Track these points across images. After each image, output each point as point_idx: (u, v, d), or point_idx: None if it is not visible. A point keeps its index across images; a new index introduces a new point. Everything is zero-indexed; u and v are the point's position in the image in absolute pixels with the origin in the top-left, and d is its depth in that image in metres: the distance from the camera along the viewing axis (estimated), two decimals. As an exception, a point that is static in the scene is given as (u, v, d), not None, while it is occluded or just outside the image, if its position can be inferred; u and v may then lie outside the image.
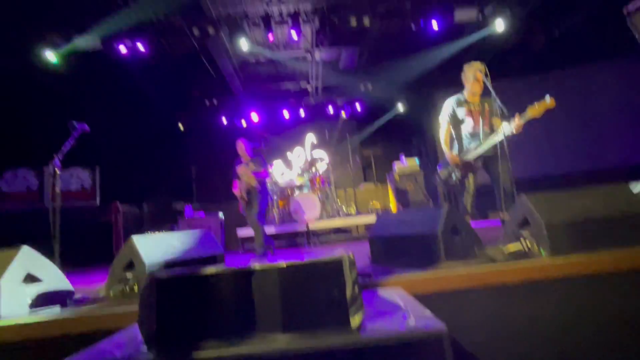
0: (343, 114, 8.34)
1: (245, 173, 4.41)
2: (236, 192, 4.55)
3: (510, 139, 3.29)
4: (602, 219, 1.92)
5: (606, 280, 1.74)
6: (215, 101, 8.57)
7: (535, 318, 1.70)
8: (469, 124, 3.58)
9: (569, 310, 1.71)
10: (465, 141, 3.62)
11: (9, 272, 1.84)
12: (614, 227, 1.90)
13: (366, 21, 5.49)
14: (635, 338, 1.68)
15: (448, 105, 3.68)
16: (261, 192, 4.49)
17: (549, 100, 3.10)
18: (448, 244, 2.07)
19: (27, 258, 1.98)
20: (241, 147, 4.59)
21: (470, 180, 3.58)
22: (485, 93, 3.55)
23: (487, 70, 3.25)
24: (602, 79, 7.31)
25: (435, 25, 5.49)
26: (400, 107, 9.02)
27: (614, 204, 1.99)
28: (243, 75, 7.86)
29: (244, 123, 8.87)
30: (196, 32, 5.36)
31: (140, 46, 5.35)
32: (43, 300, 1.95)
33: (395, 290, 1.60)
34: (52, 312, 1.87)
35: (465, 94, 3.64)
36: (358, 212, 6.59)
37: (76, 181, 7.10)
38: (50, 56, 5.33)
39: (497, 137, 3.33)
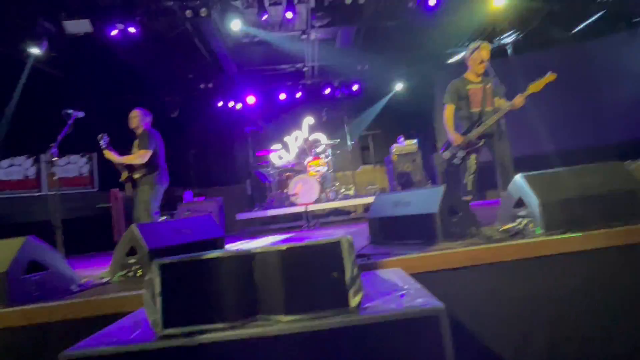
0: (324, 114, 8.23)
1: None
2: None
3: (508, 118, 3.32)
4: (596, 196, 1.95)
5: (600, 256, 1.78)
6: (210, 84, 8.45)
7: (530, 295, 1.75)
8: (472, 104, 3.60)
9: (563, 287, 1.76)
10: (468, 121, 3.64)
11: (15, 260, 1.87)
12: (608, 205, 1.93)
13: (362, -1, 5.37)
14: (629, 313, 1.74)
15: (452, 86, 3.70)
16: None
17: (549, 75, 3.16)
18: (445, 224, 2.11)
19: (32, 247, 2.00)
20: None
21: (472, 160, 3.62)
22: (485, 72, 3.56)
23: (489, 50, 3.23)
24: (600, 54, 7.22)
25: (432, 0, 5.38)
26: (399, 87, 8.93)
27: (609, 181, 2.01)
28: (237, 57, 7.72)
29: (239, 106, 8.78)
30: (189, 13, 5.23)
31: (131, 29, 5.23)
32: (49, 287, 1.99)
33: (393, 271, 1.64)
34: (57, 299, 1.90)
35: (469, 74, 3.65)
36: (357, 194, 6.62)
37: (73, 168, 7.09)
38: (35, 50, 5.20)
39: (498, 115, 3.35)
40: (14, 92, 6.09)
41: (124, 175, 3.86)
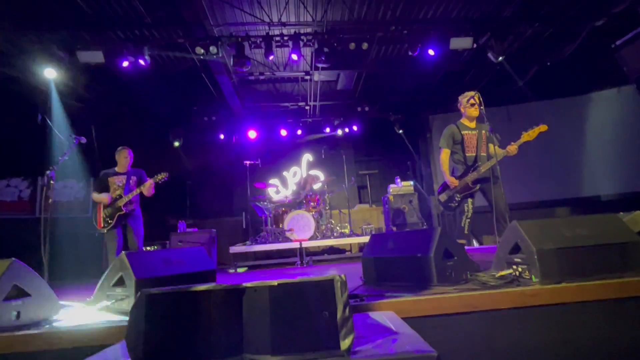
0: (323, 152, 8.42)
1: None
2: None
3: (502, 165, 3.40)
4: (592, 247, 1.95)
5: (594, 309, 1.75)
6: (213, 117, 8.64)
7: (525, 344, 1.70)
8: (467, 149, 3.72)
9: (558, 337, 1.71)
10: (463, 165, 3.74)
11: (-4, 284, 1.81)
12: (603, 256, 1.93)
13: (364, 46, 5.65)
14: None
15: (448, 131, 3.86)
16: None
17: (542, 125, 3.34)
18: (440, 268, 2.08)
19: (16, 271, 1.95)
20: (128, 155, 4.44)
21: (469, 204, 3.67)
22: (480, 120, 3.71)
23: (480, 98, 3.39)
24: (591, 109, 7.50)
25: (431, 51, 5.65)
26: (397, 129, 9.15)
27: (604, 233, 2.02)
28: (242, 93, 7.97)
29: (240, 140, 8.92)
30: (198, 50, 5.46)
31: (142, 61, 5.44)
32: (30, 313, 1.91)
33: (386, 314, 1.60)
34: (38, 326, 1.83)
35: (464, 120, 3.82)
36: (352, 233, 6.57)
37: (69, 192, 7.06)
38: (50, 73, 5.38)
39: (492, 161, 3.44)
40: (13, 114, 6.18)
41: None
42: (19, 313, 1.86)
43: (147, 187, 4.15)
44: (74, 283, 4.24)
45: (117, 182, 4.31)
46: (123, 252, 2.24)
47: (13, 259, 1.97)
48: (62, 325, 1.84)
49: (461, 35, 5.62)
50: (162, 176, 4.19)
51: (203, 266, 2.64)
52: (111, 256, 4.13)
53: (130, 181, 4.29)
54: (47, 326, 1.84)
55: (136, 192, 4.20)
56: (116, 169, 4.39)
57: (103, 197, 4.18)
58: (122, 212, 4.16)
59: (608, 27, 5.55)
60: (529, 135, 3.41)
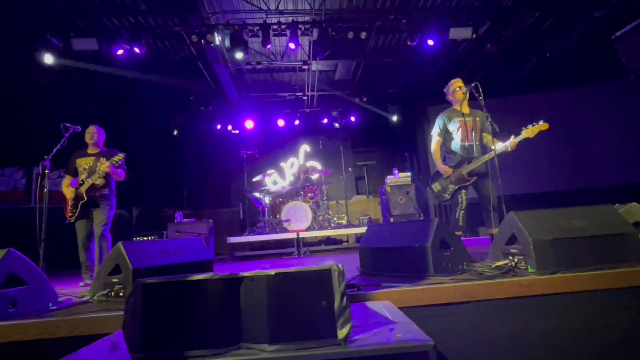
0: (321, 142, 8.32)
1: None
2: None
3: (501, 157, 3.39)
4: (587, 238, 1.96)
5: (590, 298, 1.77)
6: (210, 107, 8.57)
7: (521, 334, 1.72)
8: (460, 137, 3.67)
9: (553, 327, 1.73)
10: (457, 154, 3.70)
11: (-8, 273, 1.80)
12: (598, 247, 1.94)
13: (363, 35, 5.58)
14: (618, 356, 1.70)
15: (440, 118, 3.80)
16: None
17: (542, 123, 3.31)
18: (437, 258, 2.09)
19: (12, 260, 1.94)
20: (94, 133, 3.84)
21: (463, 196, 3.65)
22: (476, 107, 3.67)
23: (479, 87, 3.34)
24: (590, 101, 7.50)
25: (430, 41, 5.60)
26: (394, 119, 9.12)
27: (600, 224, 2.03)
28: (239, 82, 7.89)
29: (237, 130, 8.87)
30: (194, 38, 5.38)
31: (137, 49, 5.35)
32: (26, 302, 1.91)
33: (383, 303, 1.61)
34: (34, 315, 1.83)
35: (456, 107, 3.77)
36: (349, 224, 6.59)
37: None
38: (48, 59, 5.31)
39: (490, 155, 3.42)
40: (9, 103, 6.12)
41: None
42: (15, 302, 1.86)
43: (103, 168, 3.56)
44: (70, 272, 4.23)
45: (83, 164, 3.75)
46: (120, 242, 2.23)
47: (9, 248, 1.96)
48: (58, 314, 1.84)
49: (461, 25, 5.56)
50: (118, 157, 3.59)
51: (200, 256, 2.64)
52: (80, 251, 3.58)
53: (98, 163, 3.64)
54: (44, 315, 1.84)
55: (96, 176, 3.58)
56: (87, 150, 3.83)
57: (64, 184, 3.68)
58: (84, 200, 3.57)
59: (608, 18, 5.51)
60: (529, 132, 3.37)
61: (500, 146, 3.45)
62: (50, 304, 2.03)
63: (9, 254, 1.93)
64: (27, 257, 2.06)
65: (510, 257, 2.09)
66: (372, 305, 1.58)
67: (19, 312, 1.85)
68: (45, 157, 3.30)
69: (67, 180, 3.75)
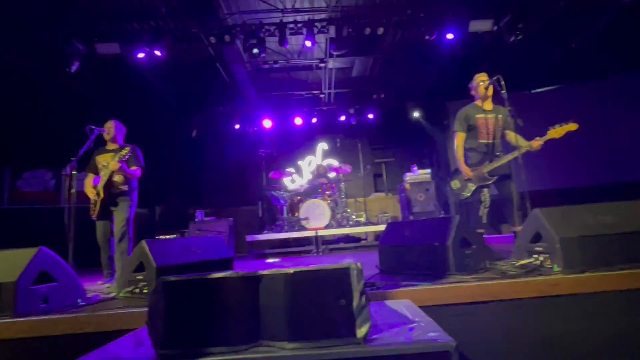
0: (338, 140, 8.21)
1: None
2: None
3: (525, 152, 3.27)
4: (616, 235, 1.88)
5: (619, 299, 1.70)
6: (228, 107, 8.69)
7: (545, 334, 1.67)
8: (480, 135, 3.56)
9: (580, 328, 1.67)
10: (477, 153, 3.59)
11: (26, 271, 1.89)
12: (627, 245, 1.86)
13: (380, 31, 5.52)
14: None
15: (461, 114, 3.67)
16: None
17: (571, 124, 3.15)
18: (458, 256, 2.05)
19: (43, 258, 2.03)
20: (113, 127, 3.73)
21: (486, 194, 3.54)
22: (499, 103, 3.55)
23: (502, 81, 3.22)
24: (618, 92, 7.18)
25: (449, 35, 5.48)
26: (413, 116, 8.98)
27: (628, 220, 1.94)
28: (257, 82, 7.96)
29: (255, 129, 8.95)
30: (212, 39, 5.46)
31: (157, 52, 5.48)
32: (56, 299, 1.99)
33: (403, 302, 1.59)
34: (64, 311, 1.90)
35: (479, 102, 3.64)
36: (368, 221, 6.55)
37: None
38: (74, 65, 5.49)
39: (514, 154, 3.30)
40: (39, 106, 6.37)
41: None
42: (46, 298, 1.94)
43: (111, 166, 3.43)
44: (98, 269, 4.38)
45: (102, 161, 3.63)
46: (143, 240, 2.29)
47: (41, 246, 2.04)
48: (86, 310, 1.91)
49: (481, 17, 5.41)
50: (125, 151, 3.46)
51: (221, 254, 2.68)
52: (102, 252, 3.55)
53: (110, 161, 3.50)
54: (73, 311, 1.91)
55: (107, 173, 3.46)
56: (106, 146, 3.75)
57: (87, 183, 3.59)
58: (101, 197, 3.48)
59: (637, 6, 5.25)
60: (556, 133, 3.21)
61: (524, 144, 3.32)
62: (79, 300, 2.11)
63: (40, 252, 2.02)
64: (58, 255, 2.15)
65: (535, 256, 2.03)
66: (392, 304, 1.56)
67: (50, 307, 1.94)
68: (72, 159, 3.42)
69: (89, 178, 3.68)
